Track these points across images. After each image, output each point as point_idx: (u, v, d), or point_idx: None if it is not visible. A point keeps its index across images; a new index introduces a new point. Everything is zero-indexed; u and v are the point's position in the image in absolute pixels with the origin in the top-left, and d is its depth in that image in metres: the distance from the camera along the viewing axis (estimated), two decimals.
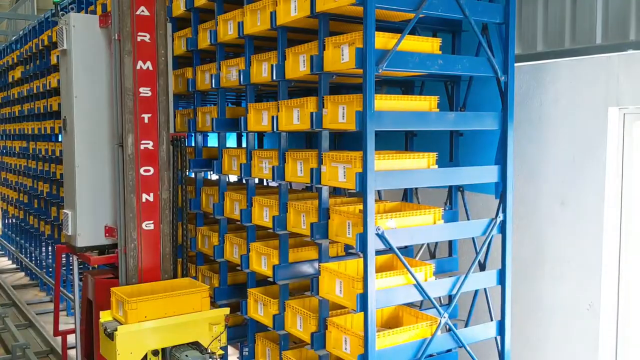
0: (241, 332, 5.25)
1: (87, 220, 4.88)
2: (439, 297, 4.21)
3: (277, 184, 4.39)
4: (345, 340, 3.79)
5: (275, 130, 4.25)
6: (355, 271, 4.01)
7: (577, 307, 4.28)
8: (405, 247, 4.77)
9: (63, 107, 5.12)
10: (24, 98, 9.88)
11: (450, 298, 4.01)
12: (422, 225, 3.85)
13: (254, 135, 4.86)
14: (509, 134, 4.06)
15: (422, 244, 4.60)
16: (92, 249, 4.94)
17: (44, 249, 10.05)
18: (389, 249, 3.68)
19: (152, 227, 4.61)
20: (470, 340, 4.02)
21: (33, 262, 10.63)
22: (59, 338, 8.34)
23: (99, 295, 4.74)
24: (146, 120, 4.54)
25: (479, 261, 4.17)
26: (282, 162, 4.28)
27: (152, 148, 4.58)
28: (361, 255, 3.63)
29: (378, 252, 4.14)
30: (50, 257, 10.01)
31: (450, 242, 4.65)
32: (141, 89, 4.51)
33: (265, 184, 6.66)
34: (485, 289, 4.25)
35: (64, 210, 5.03)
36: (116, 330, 3.98)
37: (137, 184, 4.53)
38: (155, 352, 4.18)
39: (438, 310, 3.87)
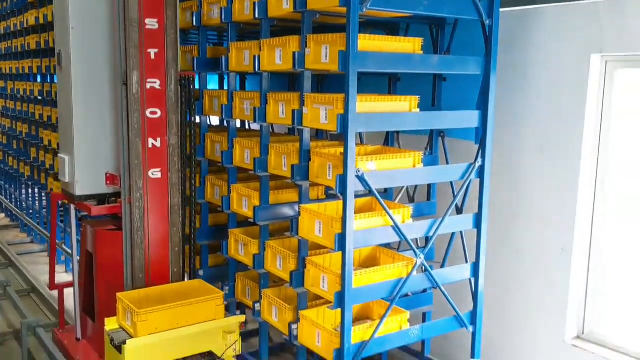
0: (222, 271, 5.33)
1: (86, 167, 4.56)
2: (416, 240, 4.29)
3: (259, 126, 4.37)
4: (323, 279, 3.87)
5: (257, 70, 4.21)
6: (334, 212, 4.05)
7: (550, 251, 4.40)
8: (385, 191, 4.83)
9: (57, 40, 4.70)
10: (1, 37, 9.61)
11: (427, 240, 4.10)
12: (402, 168, 3.89)
13: (235, 76, 4.80)
14: (491, 79, 4.06)
15: (402, 188, 4.65)
16: (92, 198, 4.64)
17: (24, 190, 10.00)
18: (369, 192, 3.72)
19: (159, 175, 4.31)
20: (444, 280, 4.12)
21: (13, 203, 10.58)
22: (42, 277, 8.43)
23: (100, 248, 4.56)
24: (152, 56, 4.16)
25: (457, 205, 4.24)
26: (263, 103, 4.26)
27: (159, 88, 4.24)
28: (341, 197, 3.67)
29: (358, 196, 4.20)
30: (30, 198, 9.96)
31: (429, 186, 4.71)
32: (147, 21, 4.10)
33: (247, 127, 6.63)
34: (461, 232, 4.33)
35: (60, 155, 4.69)
36: (125, 344, 3.72)
37: (143, 127, 4.20)
38: None
39: (415, 252, 3.95)
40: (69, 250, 8.35)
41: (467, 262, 4.29)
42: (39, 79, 8.23)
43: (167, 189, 4.36)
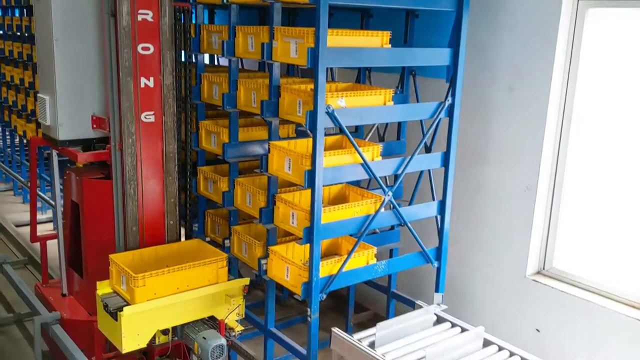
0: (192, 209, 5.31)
1: (70, 108, 4.18)
2: (385, 178, 4.33)
3: (227, 61, 4.28)
4: (293, 215, 3.90)
5: (225, 1, 4.08)
6: (304, 149, 4.04)
7: (515, 189, 4.49)
8: (356, 130, 4.82)
9: None
10: None
11: (396, 178, 4.14)
12: (372, 105, 3.88)
13: (203, 9, 4.65)
14: (463, 16, 4.02)
15: (372, 127, 4.65)
16: (76, 144, 4.27)
17: None
18: (339, 130, 3.71)
19: (152, 119, 3.94)
20: (411, 217, 4.19)
21: None
22: (8, 216, 8.32)
23: (88, 198, 4.26)
24: None
25: (425, 144, 4.27)
26: (232, 36, 4.15)
27: (152, 20, 3.85)
28: (311, 134, 3.65)
29: (328, 134, 4.19)
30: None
31: (399, 125, 4.72)
32: None
33: (216, 63, 6.49)
34: (429, 171, 4.38)
35: (40, 95, 4.31)
36: (121, 310, 3.45)
37: (135, 65, 3.81)
38: (165, 331, 3.71)
39: (383, 189, 3.99)
40: (48, 198, 8.25)
41: (434, 200, 4.36)
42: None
43: (162, 134, 4.04)
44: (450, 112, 4.16)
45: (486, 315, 4.68)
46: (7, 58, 8.05)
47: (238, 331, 3.80)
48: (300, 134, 4.61)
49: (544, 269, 4.54)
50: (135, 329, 3.52)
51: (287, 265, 3.97)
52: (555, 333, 4.34)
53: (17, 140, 9.50)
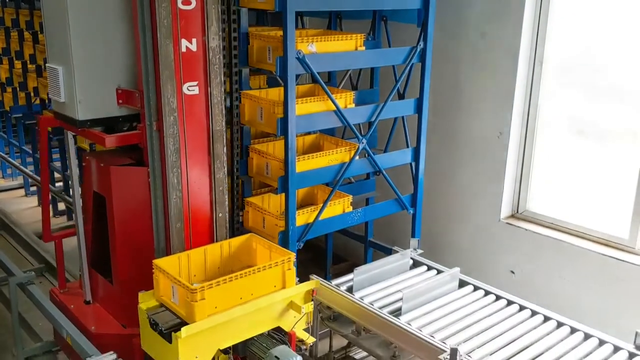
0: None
1: (90, 80, 3.40)
2: (359, 127, 4.30)
3: None
4: (267, 165, 3.88)
5: None
6: (276, 97, 3.99)
7: (488, 136, 4.51)
8: (328, 80, 4.77)
9: None
10: None
11: (370, 125, 4.12)
12: (344, 51, 3.82)
13: None
14: None
15: (345, 75, 4.60)
16: (97, 123, 3.50)
17: None
18: (312, 80, 3.66)
19: (196, 91, 3.25)
20: (386, 165, 4.20)
21: None
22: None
23: (118, 189, 3.53)
24: None
25: (398, 90, 4.24)
26: None
27: None
28: (282, 81, 3.60)
29: (302, 83, 4.14)
30: None
31: (372, 74, 4.68)
32: None
33: None
34: (403, 119, 4.37)
35: (50, 65, 3.55)
36: (177, 330, 2.81)
37: (175, 23, 3.09)
38: (226, 350, 3.05)
39: (357, 137, 3.98)
40: (19, 165, 8.05)
41: (408, 147, 4.36)
42: None
43: (208, 109, 3.32)
44: (422, 57, 4.13)
45: (462, 260, 4.74)
46: None
47: (309, 343, 3.18)
48: (271, 83, 4.54)
49: (517, 212, 4.61)
50: (194, 351, 2.89)
51: (263, 216, 3.95)
52: (530, 274, 4.43)
53: None
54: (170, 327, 2.92)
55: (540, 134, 4.45)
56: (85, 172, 3.80)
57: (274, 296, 3.13)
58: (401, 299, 3.43)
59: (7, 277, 4.39)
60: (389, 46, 4.52)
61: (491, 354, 3.02)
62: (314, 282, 3.26)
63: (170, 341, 2.85)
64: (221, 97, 3.36)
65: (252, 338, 3.11)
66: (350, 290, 3.68)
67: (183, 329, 2.80)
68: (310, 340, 3.18)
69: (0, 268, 4.98)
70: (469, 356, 2.97)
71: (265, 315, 3.13)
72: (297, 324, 3.16)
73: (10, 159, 7.97)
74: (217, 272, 3.37)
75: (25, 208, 7.49)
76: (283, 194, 3.77)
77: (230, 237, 3.55)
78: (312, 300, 3.22)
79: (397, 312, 3.42)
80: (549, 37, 4.25)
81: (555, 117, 4.35)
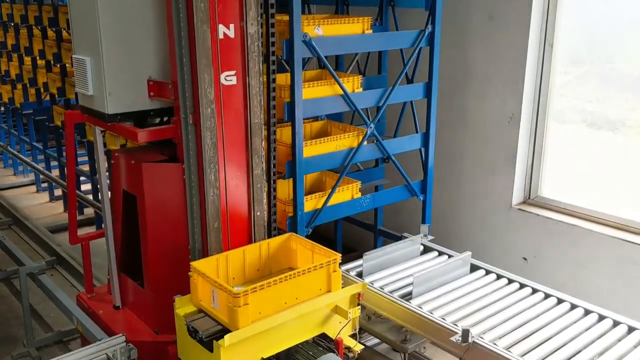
0: None
1: (120, 71, 3.20)
2: (367, 112, 4.26)
3: None
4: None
5: None
6: (284, 81, 3.96)
7: (499, 120, 4.45)
8: (336, 66, 4.74)
9: None
10: None
11: (378, 110, 4.07)
12: (351, 34, 3.79)
13: None
14: None
15: (352, 61, 4.56)
16: (128, 117, 3.29)
17: None
18: (319, 64, 3.62)
19: (233, 81, 3.07)
20: (395, 150, 4.15)
21: None
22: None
23: (150, 187, 3.31)
24: None
25: (407, 74, 4.20)
26: None
27: None
28: (288, 67, 3.57)
29: (309, 69, 4.11)
30: None
31: (379, 60, 4.63)
32: None
33: None
34: (412, 104, 4.32)
35: (76, 56, 3.35)
36: (220, 339, 2.62)
37: (212, 7, 2.89)
38: (269, 359, 2.86)
39: (365, 121, 3.94)
40: (30, 162, 8.08)
41: (417, 132, 4.31)
42: None
43: (246, 101, 3.15)
44: (430, 41, 4.08)
45: (473, 247, 4.64)
46: None
47: (357, 351, 2.98)
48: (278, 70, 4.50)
49: (529, 198, 4.54)
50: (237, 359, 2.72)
51: None
52: (543, 261, 4.36)
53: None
54: (211, 334, 2.73)
55: (551, 118, 4.38)
56: (114, 171, 3.60)
57: (319, 301, 2.93)
58: (411, 283, 3.39)
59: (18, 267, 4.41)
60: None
61: (504, 336, 2.97)
62: (360, 285, 3.06)
63: (211, 350, 2.67)
64: (259, 87, 3.19)
65: (296, 346, 2.94)
66: (359, 275, 3.65)
67: (226, 336, 2.60)
68: (357, 347, 2.99)
69: (12, 259, 5.02)
70: (481, 337, 2.92)
71: (310, 321, 2.95)
72: (343, 330, 3.00)
73: (21, 156, 8.01)
74: (257, 274, 3.23)
75: (36, 204, 7.53)
76: (291, 179, 3.74)
77: (268, 238, 3.42)
78: (359, 304, 3.04)
79: (407, 296, 3.38)
80: (559, 19, 4.18)
81: (567, 98, 4.29)
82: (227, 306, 2.71)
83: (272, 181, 3.52)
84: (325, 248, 3.11)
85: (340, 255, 3.06)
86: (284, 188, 4.20)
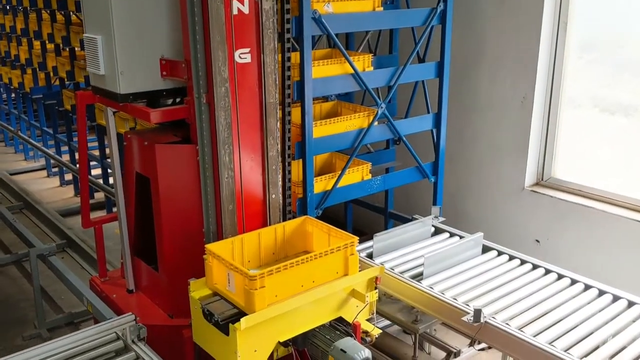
0: None
1: (132, 50, 3.11)
2: (378, 92, 4.20)
3: None
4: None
5: None
6: (293, 59, 3.91)
7: (512, 101, 4.38)
8: (347, 46, 4.67)
9: None
10: None
11: (389, 90, 4.02)
12: (361, 11, 3.73)
13: None
14: None
15: (363, 40, 4.49)
16: (140, 97, 3.23)
17: None
18: (328, 43, 3.57)
19: (248, 59, 2.99)
20: (406, 131, 4.09)
21: None
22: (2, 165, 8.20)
23: (163, 169, 3.23)
24: None
25: (418, 53, 4.13)
26: None
27: None
28: (297, 46, 3.52)
29: (319, 48, 4.05)
30: None
31: (390, 39, 4.56)
32: None
33: None
34: (423, 83, 4.26)
35: (88, 35, 3.29)
36: (236, 322, 2.58)
37: None
38: (285, 343, 2.84)
39: (376, 101, 3.88)
40: (41, 146, 8.10)
41: (429, 112, 4.26)
42: None
43: (260, 80, 3.07)
44: (442, 19, 4.01)
45: (485, 230, 4.58)
46: None
47: (375, 335, 2.93)
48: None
49: (542, 179, 4.47)
50: (253, 343, 2.67)
51: None
52: (556, 243, 4.30)
53: None
54: (226, 317, 2.70)
55: (565, 98, 4.30)
56: (127, 153, 3.53)
57: (336, 284, 2.88)
58: (422, 264, 3.35)
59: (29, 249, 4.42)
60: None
61: (516, 316, 2.93)
62: (378, 268, 3.01)
63: (227, 333, 2.63)
64: (274, 65, 3.09)
65: (313, 330, 2.88)
66: (370, 256, 3.61)
67: (243, 319, 2.54)
68: (375, 331, 2.93)
69: (23, 242, 5.03)
70: (494, 317, 2.88)
71: (327, 305, 2.90)
72: (361, 314, 2.96)
73: (32, 141, 8.04)
74: (272, 257, 3.19)
75: (47, 188, 7.56)
76: (300, 161, 3.70)
77: (283, 221, 3.37)
78: (376, 288, 2.99)
79: (418, 277, 3.35)
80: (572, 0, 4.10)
81: (581, 78, 4.20)
82: (243, 289, 2.67)
83: (286, 163, 3.45)
84: (341, 231, 3.07)
85: (358, 238, 3.01)
86: (293, 169, 4.14)
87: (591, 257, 4.08)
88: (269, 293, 2.67)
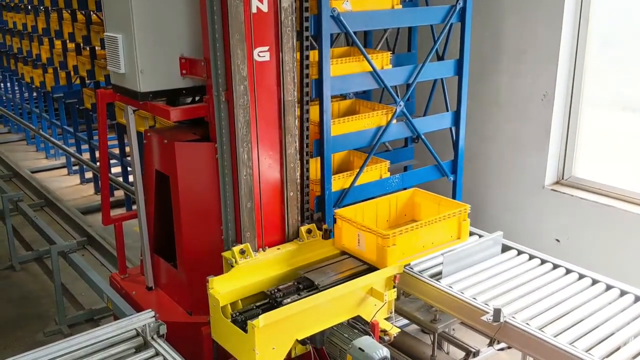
0: None
1: (152, 49, 3.15)
2: (396, 89, 4.18)
3: None
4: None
5: None
6: (311, 58, 3.91)
7: (532, 98, 4.34)
8: (365, 43, 4.66)
9: None
10: None
11: (408, 88, 4.00)
12: (380, 9, 3.71)
13: None
14: None
15: (381, 38, 4.47)
16: (160, 96, 3.26)
17: None
18: (347, 41, 3.55)
19: (267, 57, 3.02)
20: (425, 129, 4.06)
21: None
22: (21, 163, 8.35)
23: (183, 167, 3.26)
24: None
25: (437, 51, 4.10)
26: None
27: None
28: (315, 44, 3.52)
29: (337, 46, 4.04)
30: (2, 88, 9.68)
31: (409, 37, 4.54)
32: None
33: None
34: (442, 82, 4.23)
35: (108, 34, 3.33)
36: (256, 319, 2.59)
37: None
38: (303, 342, 2.87)
39: (394, 99, 3.86)
40: (62, 145, 8.21)
41: (448, 111, 4.22)
42: None
43: (279, 78, 3.10)
44: (462, 16, 3.97)
45: (504, 229, 4.56)
46: (7, 5, 7.93)
47: (393, 334, 2.94)
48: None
49: (563, 178, 4.43)
50: (271, 341, 2.68)
51: None
52: (576, 242, 4.25)
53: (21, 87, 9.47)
54: (249, 316, 2.75)
55: (586, 95, 4.25)
56: (147, 151, 3.56)
57: (354, 283, 2.91)
58: (441, 263, 3.34)
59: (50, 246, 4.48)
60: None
61: (536, 316, 2.91)
62: (397, 267, 3.01)
63: (246, 331, 2.65)
64: (293, 63, 3.12)
65: (331, 328, 2.90)
66: None
67: (261, 317, 2.58)
68: (393, 330, 2.95)
69: (44, 239, 5.10)
70: (513, 317, 2.86)
71: (345, 303, 2.92)
72: (379, 313, 2.97)
73: (53, 139, 8.14)
74: (386, 224, 3.46)
75: (67, 186, 7.65)
76: (318, 158, 3.70)
77: (300, 219, 3.39)
78: (394, 287, 3.00)
79: (437, 276, 3.33)
80: None
81: (603, 75, 4.15)
82: (375, 246, 2.96)
83: (305, 161, 3.43)
84: (451, 200, 3.42)
85: (469, 205, 3.25)
86: (311, 167, 4.14)
87: (612, 257, 4.03)
88: (399, 250, 2.96)
